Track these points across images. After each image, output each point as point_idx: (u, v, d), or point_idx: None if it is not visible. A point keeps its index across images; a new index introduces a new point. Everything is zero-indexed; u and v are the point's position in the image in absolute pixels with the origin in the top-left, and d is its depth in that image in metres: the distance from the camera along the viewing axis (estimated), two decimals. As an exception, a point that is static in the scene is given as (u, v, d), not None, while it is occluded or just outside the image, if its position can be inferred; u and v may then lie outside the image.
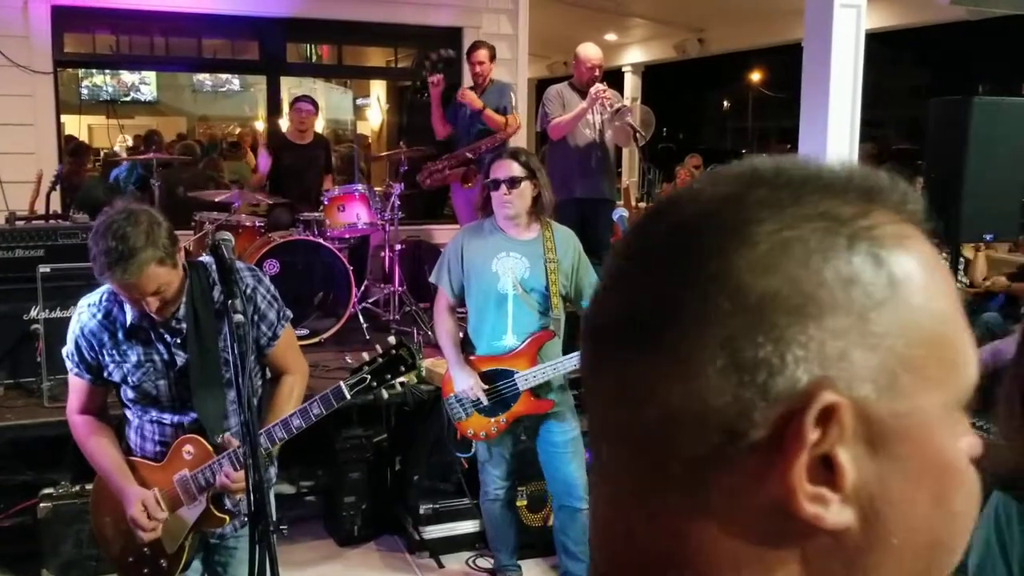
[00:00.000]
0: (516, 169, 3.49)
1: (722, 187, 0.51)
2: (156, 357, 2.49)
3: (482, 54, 5.86)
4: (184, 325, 2.48)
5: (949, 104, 4.18)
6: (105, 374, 2.52)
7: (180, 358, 2.50)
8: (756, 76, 32.60)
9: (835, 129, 4.06)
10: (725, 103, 39.39)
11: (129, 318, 2.46)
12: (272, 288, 2.63)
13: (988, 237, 4.56)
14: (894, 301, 0.48)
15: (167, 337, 2.48)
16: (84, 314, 2.50)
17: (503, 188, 3.47)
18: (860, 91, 4.06)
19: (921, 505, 0.49)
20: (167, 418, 2.54)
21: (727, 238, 0.48)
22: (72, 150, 7.80)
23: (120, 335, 2.47)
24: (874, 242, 0.48)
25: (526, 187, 3.50)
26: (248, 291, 2.50)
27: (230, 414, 2.56)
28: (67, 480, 3.73)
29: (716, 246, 0.48)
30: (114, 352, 2.48)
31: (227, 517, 2.57)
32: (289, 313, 2.68)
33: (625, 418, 0.51)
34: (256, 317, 2.55)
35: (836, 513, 0.47)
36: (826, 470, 0.47)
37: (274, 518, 2.38)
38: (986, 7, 4.86)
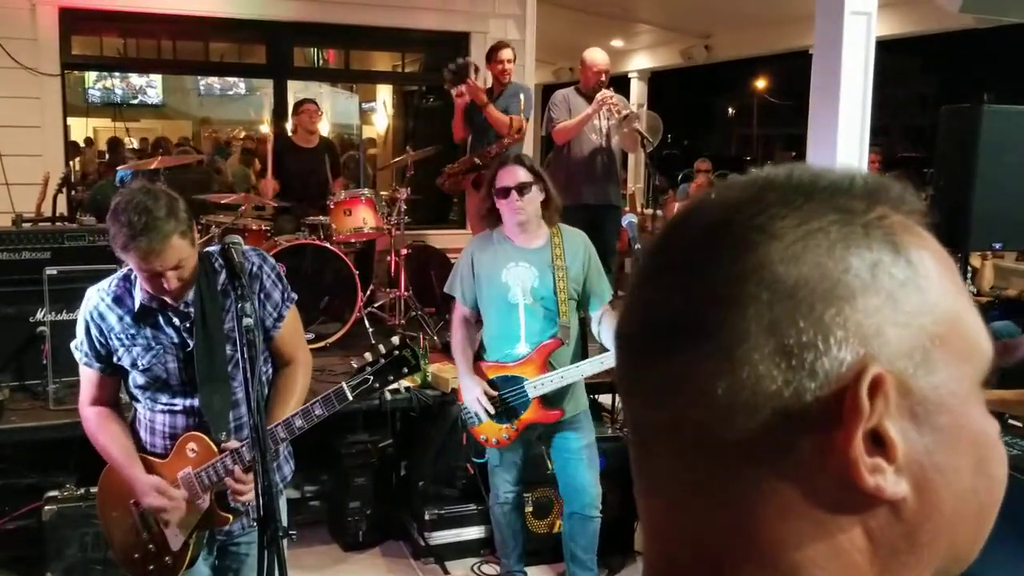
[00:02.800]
0: (523, 174, 3.47)
1: (738, 192, 0.54)
2: (165, 340, 2.48)
3: (507, 53, 5.76)
4: (192, 310, 2.47)
5: (959, 112, 4.16)
6: (115, 359, 2.51)
7: (191, 340, 2.49)
8: (761, 83, 32.69)
9: (845, 137, 4.03)
10: (730, 110, 39.42)
11: (138, 301, 2.46)
12: (276, 268, 2.62)
13: (997, 246, 4.54)
14: (915, 282, 0.51)
15: (176, 321, 2.48)
16: (93, 299, 2.51)
17: (513, 195, 3.45)
18: (870, 99, 4.03)
19: (965, 473, 0.52)
20: (178, 403, 2.52)
21: (755, 234, 0.51)
22: (109, 147, 7.83)
23: (128, 319, 2.47)
24: (887, 230, 0.51)
25: (535, 192, 3.49)
26: (254, 269, 2.49)
27: (240, 402, 2.53)
28: (72, 483, 3.71)
29: (746, 242, 0.51)
30: (123, 336, 2.47)
31: (231, 516, 2.56)
32: (294, 295, 2.66)
33: (673, 418, 0.52)
34: (262, 296, 2.53)
35: (894, 484, 0.49)
36: (875, 445, 0.49)
37: (285, 523, 2.36)
38: (997, 15, 4.84)
